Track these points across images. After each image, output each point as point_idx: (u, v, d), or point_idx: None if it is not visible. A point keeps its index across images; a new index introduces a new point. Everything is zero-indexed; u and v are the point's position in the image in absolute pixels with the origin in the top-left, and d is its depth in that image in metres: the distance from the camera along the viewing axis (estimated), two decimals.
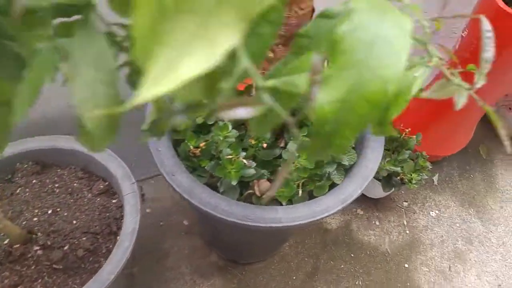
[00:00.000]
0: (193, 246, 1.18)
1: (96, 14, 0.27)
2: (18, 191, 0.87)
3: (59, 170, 0.92)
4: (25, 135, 0.89)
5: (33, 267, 0.78)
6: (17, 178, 0.88)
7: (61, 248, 0.80)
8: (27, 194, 0.86)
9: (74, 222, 0.83)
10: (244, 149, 0.79)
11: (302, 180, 0.78)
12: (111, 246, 0.82)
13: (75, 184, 0.89)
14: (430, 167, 1.17)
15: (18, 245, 0.79)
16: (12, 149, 0.88)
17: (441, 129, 1.31)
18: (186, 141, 0.80)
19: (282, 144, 0.83)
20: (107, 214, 0.85)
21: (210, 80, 0.23)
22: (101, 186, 0.89)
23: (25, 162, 0.90)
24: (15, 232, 0.77)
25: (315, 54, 0.21)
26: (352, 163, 0.80)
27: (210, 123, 0.86)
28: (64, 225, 0.82)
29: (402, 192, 1.41)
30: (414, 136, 1.17)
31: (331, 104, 0.21)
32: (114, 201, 0.88)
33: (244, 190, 0.78)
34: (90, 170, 0.92)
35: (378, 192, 1.27)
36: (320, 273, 1.19)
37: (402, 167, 1.13)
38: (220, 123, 0.81)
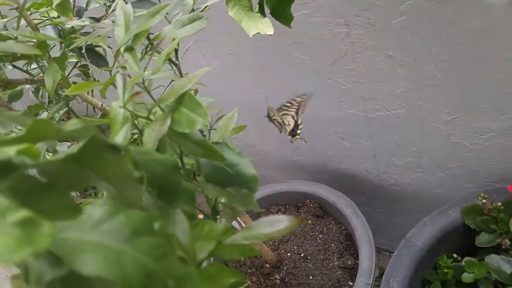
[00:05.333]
0: None
1: None
2: None
3: (332, 223, 0.99)
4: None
5: None
6: (302, 211, 1.03)
7: None
8: (299, 229, 1.00)
9: (310, 277, 0.91)
10: None
11: None
12: None
13: (333, 245, 0.95)
14: None
15: (269, 266, 0.96)
16: (309, 187, 1.02)
17: None
18: None
19: None
20: None
21: None
22: (349, 263, 0.90)
23: (313, 201, 1.02)
24: (269, 256, 0.93)
25: None
26: None
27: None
28: (303, 273, 0.92)
29: None
30: None
31: None
32: (350, 283, 0.88)
33: None
34: (353, 241, 0.94)
35: None
36: None
37: None
38: None
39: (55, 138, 0.25)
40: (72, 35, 0.61)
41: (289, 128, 0.68)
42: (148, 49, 0.46)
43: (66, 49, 0.62)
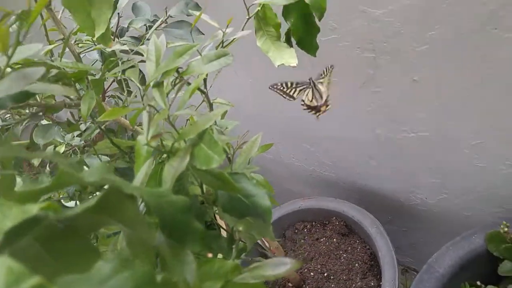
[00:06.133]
0: None
1: None
2: (322, 240, 1.03)
3: (357, 242, 0.99)
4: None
5: None
6: (328, 229, 1.04)
7: None
8: (323, 247, 1.01)
9: None
10: None
11: None
12: None
13: (356, 265, 0.95)
14: None
15: (291, 285, 0.97)
16: (336, 204, 1.03)
17: None
18: None
19: None
20: None
21: None
22: (372, 284, 0.90)
23: (339, 219, 1.03)
24: (293, 275, 0.95)
25: None
26: None
27: None
28: None
29: None
30: None
31: None
32: None
33: None
34: (377, 261, 0.94)
35: None
36: None
37: None
38: None
39: (77, 185, 0.29)
40: (111, 59, 0.66)
41: (325, 96, 0.61)
42: (177, 81, 0.49)
43: (104, 74, 0.67)
